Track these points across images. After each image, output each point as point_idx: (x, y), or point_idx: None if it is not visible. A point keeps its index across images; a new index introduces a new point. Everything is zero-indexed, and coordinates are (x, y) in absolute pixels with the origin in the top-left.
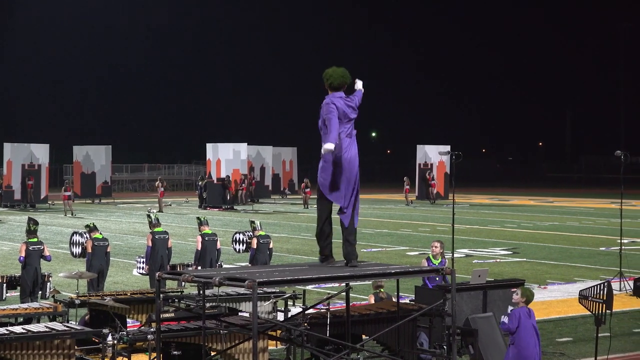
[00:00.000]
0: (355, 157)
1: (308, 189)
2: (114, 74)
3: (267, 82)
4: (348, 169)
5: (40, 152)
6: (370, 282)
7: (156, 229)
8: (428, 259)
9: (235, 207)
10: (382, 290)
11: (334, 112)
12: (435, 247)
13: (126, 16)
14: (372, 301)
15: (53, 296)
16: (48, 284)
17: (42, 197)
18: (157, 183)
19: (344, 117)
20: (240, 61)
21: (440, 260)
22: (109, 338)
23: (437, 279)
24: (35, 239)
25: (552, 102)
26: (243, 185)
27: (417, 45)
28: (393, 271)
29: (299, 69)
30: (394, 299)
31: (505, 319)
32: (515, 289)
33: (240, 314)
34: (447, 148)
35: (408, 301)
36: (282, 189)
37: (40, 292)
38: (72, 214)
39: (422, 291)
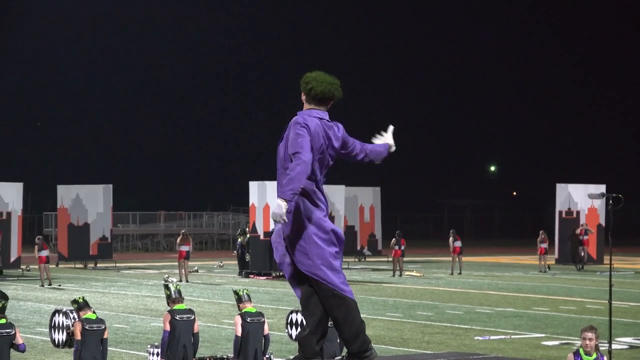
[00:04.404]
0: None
1: (398, 247)
2: (114, 89)
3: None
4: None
5: (11, 195)
6: None
7: (177, 306)
8: (576, 354)
9: None
10: None
11: (306, 139)
12: (589, 338)
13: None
14: None
15: None
16: None
17: (12, 259)
18: (178, 239)
19: (320, 152)
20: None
21: (595, 356)
22: None
23: None
24: (4, 321)
25: None
26: None
27: (564, 45)
28: None
29: (378, 78)
30: None
31: None
32: None
33: None
34: (602, 188)
35: None
36: (359, 247)
37: None
38: (49, 284)
39: None
